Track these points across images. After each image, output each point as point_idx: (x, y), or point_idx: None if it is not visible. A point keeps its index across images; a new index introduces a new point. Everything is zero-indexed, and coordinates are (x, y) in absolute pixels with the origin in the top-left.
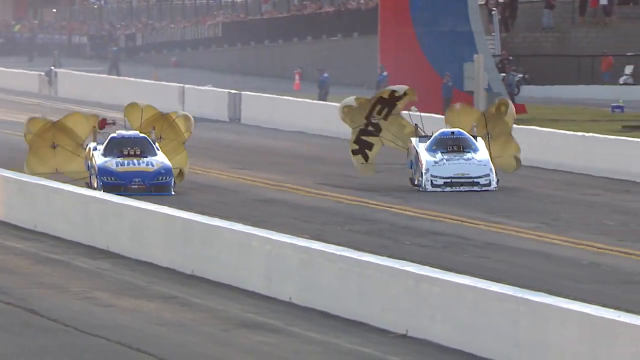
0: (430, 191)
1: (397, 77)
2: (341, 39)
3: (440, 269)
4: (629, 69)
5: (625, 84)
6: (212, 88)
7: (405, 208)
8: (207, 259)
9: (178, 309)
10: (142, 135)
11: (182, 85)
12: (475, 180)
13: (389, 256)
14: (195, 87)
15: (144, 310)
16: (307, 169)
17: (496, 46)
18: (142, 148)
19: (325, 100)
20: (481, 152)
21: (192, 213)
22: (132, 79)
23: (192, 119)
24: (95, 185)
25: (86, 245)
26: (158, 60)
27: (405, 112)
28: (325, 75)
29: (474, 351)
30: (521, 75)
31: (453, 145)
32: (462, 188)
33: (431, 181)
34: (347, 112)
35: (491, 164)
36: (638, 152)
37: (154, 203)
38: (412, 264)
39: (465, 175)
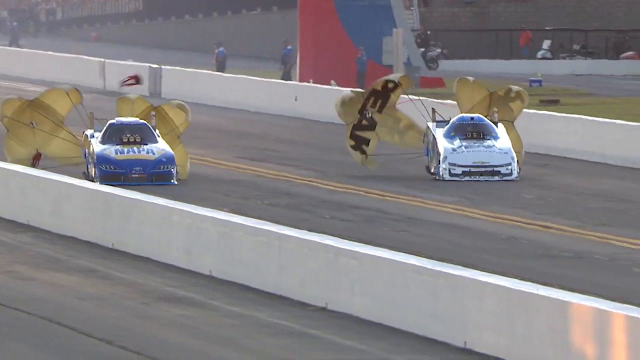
0: (448, 180)
1: (316, 51)
2: (260, 13)
3: (360, 242)
4: (547, 44)
5: (543, 58)
6: (132, 62)
7: (325, 182)
8: (128, 232)
9: (99, 282)
10: (142, 121)
11: (102, 59)
12: (496, 169)
13: (309, 230)
14: (116, 61)
15: (64, 284)
16: (228, 143)
17: (415, 21)
18: (143, 135)
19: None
20: (502, 139)
21: (113, 187)
22: (53, 53)
23: (188, 107)
24: (93, 175)
25: (7, 219)
26: (79, 35)
27: (354, 90)
28: (221, 49)
29: (393, 324)
30: (439, 50)
31: (472, 131)
32: (481, 177)
33: (449, 170)
34: (344, 105)
35: (513, 152)
36: (555, 126)
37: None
38: (331, 237)
39: (486, 164)
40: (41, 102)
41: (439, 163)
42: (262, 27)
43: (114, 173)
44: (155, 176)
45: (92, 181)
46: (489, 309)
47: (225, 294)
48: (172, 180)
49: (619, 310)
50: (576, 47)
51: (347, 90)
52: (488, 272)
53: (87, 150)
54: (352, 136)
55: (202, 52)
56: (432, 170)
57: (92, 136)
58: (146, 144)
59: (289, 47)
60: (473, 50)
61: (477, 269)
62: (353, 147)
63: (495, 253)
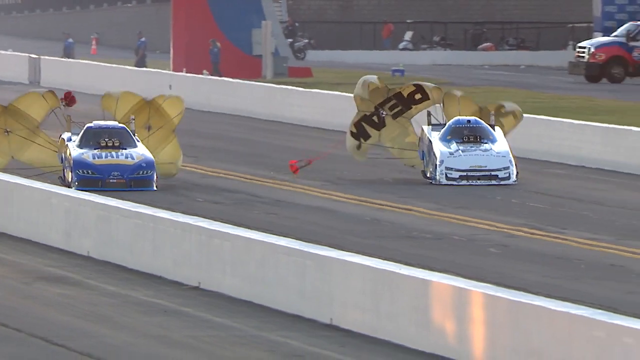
0: (444, 184)
1: (189, 44)
2: (136, 5)
3: (232, 224)
4: (408, 35)
5: (405, 49)
6: (12, 52)
7: (198, 167)
8: (9, 215)
9: None
10: (120, 125)
11: None
12: (494, 173)
13: (183, 212)
14: None
15: None
16: None
17: (283, 13)
18: (121, 139)
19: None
20: (500, 142)
21: None
22: None
23: (183, 99)
24: (70, 179)
25: None
26: None
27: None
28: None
29: (263, 302)
30: (307, 41)
31: (469, 135)
32: (479, 182)
33: (445, 174)
34: (365, 92)
35: (511, 156)
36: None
37: None
38: (204, 219)
39: (483, 168)
40: (15, 109)
41: (436, 167)
42: (137, 19)
43: (91, 178)
44: (134, 181)
45: (69, 186)
46: (354, 287)
47: (102, 274)
48: (152, 186)
49: (476, 288)
50: (436, 38)
51: (373, 77)
52: (353, 252)
53: (63, 154)
54: (358, 125)
55: (80, 43)
56: (428, 175)
57: (70, 139)
58: (125, 149)
59: (143, 39)
60: (339, 41)
61: (342, 250)
62: (353, 135)
63: (360, 234)
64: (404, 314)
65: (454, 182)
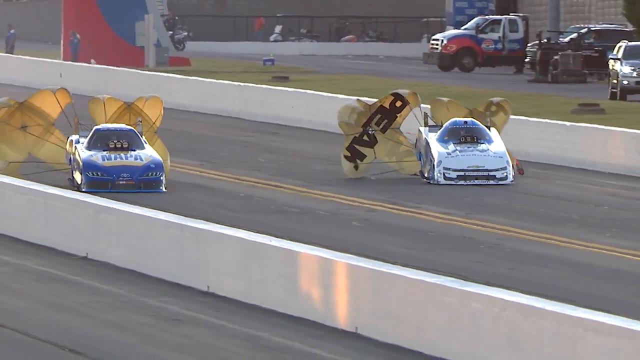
0: (443, 184)
1: (78, 34)
2: (29, 2)
3: (117, 201)
4: (278, 28)
5: (275, 41)
6: None
7: None
8: None
9: None
10: (128, 127)
11: None
12: (492, 173)
13: (72, 189)
14: None
15: None
16: None
17: (164, 7)
18: (129, 141)
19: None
20: (496, 143)
21: None
22: None
23: (161, 99)
24: (79, 181)
25: None
26: None
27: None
28: (12, 31)
29: (145, 271)
30: (186, 33)
31: (466, 135)
32: (476, 182)
33: (444, 174)
34: (349, 117)
35: (508, 157)
36: (284, 99)
37: None
38: (91, 196)
39: (480, 168)
40: (31, 105)
41: (434, 168)
42: (31, 14)
43: (101, 180)
44: (143, 183)
45: (79, 188)
46: (228, 257)
47: None
48: (161, 188)
49: (340, 258)
50: (303, 31)
51: (352, 100)
52: (227, 225)
53: (72, 156)
54: (350, 148)
55: None
56: (425, 175)
57: (78, 142)
58: (134, 150)
59: (12, 31)
60: (215, 33)
61: (217, 223)
62: (347, 158)
63: (234, 209)
64: (273, 281)
65: (452, 182)
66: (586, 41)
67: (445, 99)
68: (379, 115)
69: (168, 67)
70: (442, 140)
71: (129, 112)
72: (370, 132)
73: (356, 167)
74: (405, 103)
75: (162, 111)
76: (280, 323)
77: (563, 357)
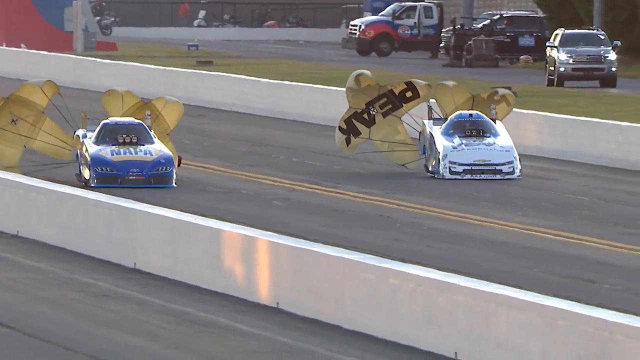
0: (448, 179)
1: (8, 18)
2: None
3: (48, 181)
4: (202, 14)
5: (199, 26)
6: None
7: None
8: None
9: None
10: (137, 121)
11: None
12: (498, 167)
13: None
14: None
15: None
16: None
17: None
18: (139, 135)
19: None
20: (503, 137)
21: None
22: None
23: (182, 104)
24: (88, 177)
25: None
26: None
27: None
28: None
29: (75, 249)
30: (113, 19)
31: (472, 129)
32: (482, 176)
33: (449, 168)
34: (358, 86)
35: (514, 150)
36: (210, 83)
37: None
38: (23, 176)
39: (487, 162)
40: (17, 97)
41: (439, 161)
42: None
43: (110, 175)
44: (153, 178)
45: (86, 184)
46: (155, 235)
47: None
48: (171, 183)
49: (262, 236)
50: (226, 17)
51: (366, 71)
52: (154, 205)
53: (79, 151)
54: (348, 121)
55: None
56: (430, 169)
57: (85, 136)
58: (143, 145)
59: None
60: (141, 19)
61: (145, 203)
62: (342, 131)
63: (162, 189)
64: (198, 259)
65: (458, 176)
66: (498, 27)
67: (450, 83)
68: (385, 99)
69: (96, 52)
70: (447, 133)
71: (145, 110)
72: (372, 112)
73: (348, 141)
74: (415, 96)
75: (180, 117)
76: (205, 299)
77: (476, 330)
